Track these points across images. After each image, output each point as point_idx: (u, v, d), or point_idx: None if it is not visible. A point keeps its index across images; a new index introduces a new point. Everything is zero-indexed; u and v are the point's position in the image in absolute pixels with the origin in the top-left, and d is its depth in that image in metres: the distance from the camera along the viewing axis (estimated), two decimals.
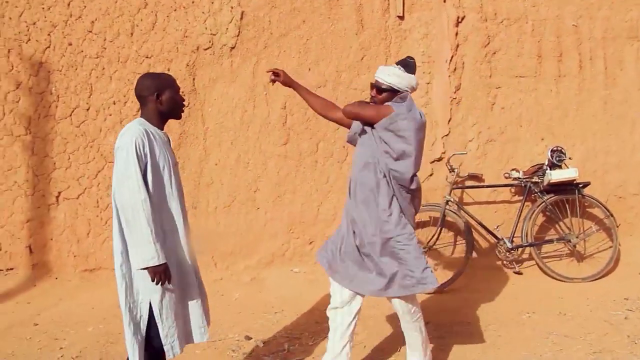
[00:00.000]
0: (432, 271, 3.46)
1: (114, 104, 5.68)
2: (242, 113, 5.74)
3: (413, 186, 3.46)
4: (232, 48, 5.68)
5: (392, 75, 3.40)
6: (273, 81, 3.81)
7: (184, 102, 3.17)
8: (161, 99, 3.02)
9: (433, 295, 5.30)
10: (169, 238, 3.00)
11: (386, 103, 3.40)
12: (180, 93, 3.18)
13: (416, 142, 3.35)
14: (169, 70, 5.68)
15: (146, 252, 2.82)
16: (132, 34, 5.62)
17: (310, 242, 5.86)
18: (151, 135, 2.95)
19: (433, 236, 5.49)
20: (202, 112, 5.75)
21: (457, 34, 5.66)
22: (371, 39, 5.69)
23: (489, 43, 5.91)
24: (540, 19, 5.98)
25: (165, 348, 3.02)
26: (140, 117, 3.07)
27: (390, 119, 3.29)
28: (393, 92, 3.42)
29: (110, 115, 5.68)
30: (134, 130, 2.91)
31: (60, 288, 5.65)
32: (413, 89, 3.46)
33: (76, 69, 5.65)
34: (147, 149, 2.90)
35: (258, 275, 5.66)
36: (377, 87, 3.46)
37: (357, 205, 3.49)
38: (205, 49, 5.64)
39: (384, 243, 3.42)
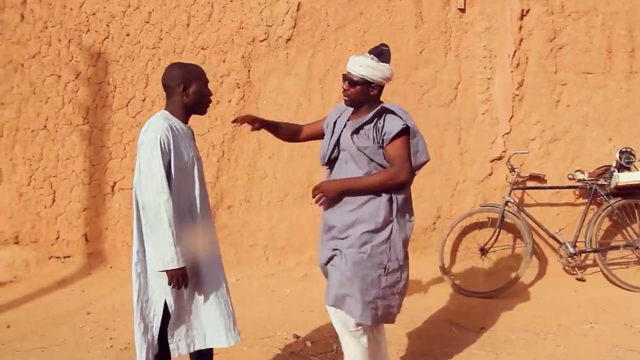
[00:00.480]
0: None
1: None
2: (297, 106, 5.72)
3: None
4: (288, 40, 5.66)
5: (364, 67, 3.13)
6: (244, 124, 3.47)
7: (211, 97, 3.04)
8: (188, 92, 2.90)
9: (488, 300, 5.17)
10: (190, 236, 2.93)
11: (390, 116, 3.18)
12: (209, 87, 3.06)
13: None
14: (224, 62, 5.69)
15: (166, 254, 2.77)
16: (188, 25, 5.65)
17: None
18: (175, 130, 2.86)
19: (490, 238, 5.34)
20: (256, 104, 5.74)
21: (521, 27, 5.48)
22: (430, 33, 5.56)
23: (554, 37, 5.70)
24: (611, 12, 5.72)
25: (171, 346, 2.99)
26: (165, 109, 2.96)
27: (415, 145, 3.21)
28: (366, 85, 3.16)
29: None
30: (159, 126, 2.82)
31: (114, 277, 5.76)
32: (388, 80, 3.21)
33: (133, 60, 5.74)
34: (171, 145, 2.80)
35: (310, 271, 5.64)
36: (349, 80, 3.18)
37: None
38: (261, 41, 5.62)
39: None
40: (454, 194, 5.71)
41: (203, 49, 5.69)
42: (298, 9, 5.57)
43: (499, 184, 5.65)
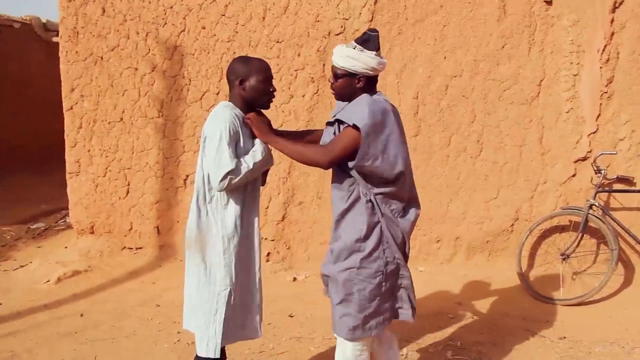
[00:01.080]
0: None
1: None
2: None
3: None
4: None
5: (343, 57, 2.90)
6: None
7: (271, 92, 3.06)
8: (244, 85, 2.99)
9: (570, 309, 4.99)
10: (247, 226, 3.08)
11: (352, 105, 2.95)
12: (272, 82, 3.09)
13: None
14: (299, 55, 5.69)
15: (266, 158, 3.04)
16: (264, 17, 5.68)
17: (438, 241, 5.69)
18: (239, 119, 2.97)
19: (573, 243, 5.13)
20: (330, 99, 5.70)
21: (612, 20, 5.25)
22: (514, 26, 5.40)
23: None
24: None
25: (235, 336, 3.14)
26: (228, 100, 3.07)
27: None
28: (350, 77, 2.93)
29: None
30: (225, 115, 2.92)
31: (183, 271, 5.79)
32: (374, 70, 2.92)
33: (208, 53, 5.82)
34: (238, 135, 2.93)
35: None
36: (333, 73, 2.99)
37: None
38: (337, 34, 5.59)
39: None
40: (534, 196, 5.54)
41: (278, 42, 5.71)
42: (376, 2, 5.52)
43: (582, 186, 5.44)
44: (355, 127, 2.81)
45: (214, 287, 3.00)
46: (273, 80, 3.13)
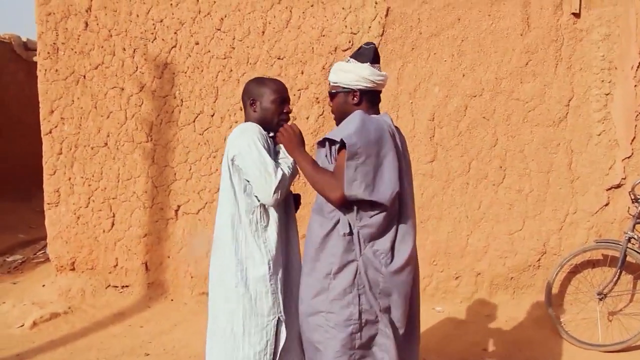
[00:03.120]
0: None
1: (241, 110, 5.27)
2: None
3: None
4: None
5: (336, 72, 2.75)
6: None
7: (284, 113, 2.97)
8: (255, 106, 2.96)
9: (609, 355, 4.54)
10: (289, 247, 2.99)
11: (344, 122, 2.71)
12: (287, 104, 2.98)
13: None
14: (302, 73, 5.25)
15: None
16: (263, 32, 5.28)
17: (457, 277, 5.18)
18: (265, 135, 2.90)
19: (611, 280, 4.61)
20: None
21: None
22: (539, 41, 4.99)
23: None
24: None
25: None
26: (244, 121, 3.01)
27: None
28: (345, 93, 2.75)
29: (237, 122, 5.35)
30: (253, 128, 2.86)
31: (176, 312, 5.38)
32: (370, 82, 2.69)
33: (202, 71, 5.41)
34: (267, 149, 2.83)
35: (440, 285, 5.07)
36: (329, 93, 2.84)
37: None
38: (344, 50, 5.18)
39: None
40: (563, 227, 5.09)
41: (279, 58, 5.30)
42: (387, 15, 5.07)
43: (617, 217, 5.00)
44: (345, 146, 2.55)
45: (261, 318, 2.84)
46: (290, 103, 3.04)
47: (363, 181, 2.52)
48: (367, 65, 2.70)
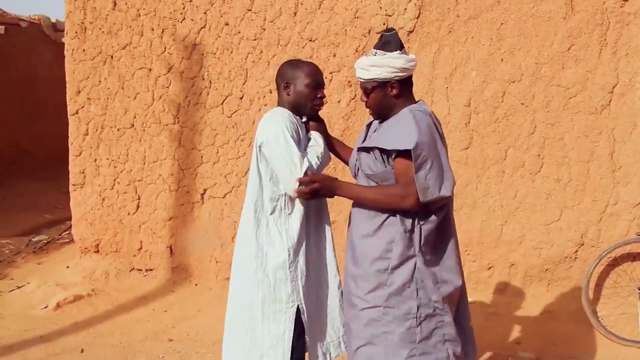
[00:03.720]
0: None
1: (271, 92, 5.21)
2: None
3: None
4: (410, 32, 5.03)
5: (367, 68, 2.64)
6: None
7: (319, 98, 2.92)
8: (289, 90, 2.88)
9: None
10: (316, 235, 2.95)
11: (397, 123, 2.66)
12: (322, 89, 2.93)
13: None
14: (334, 56, 5.09)
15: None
16: (295, 13, 5.14)
17: (489, 268, 5.01)
18: (296, 122, 2.85)
19: None
20: None
21: None
22: (582, 25, 4.79)
23: None
24: None
25: (319, 354, 2.93)
26: (277, 104, 2.96)
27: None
28: (381, 87, 2.65)
29: (266, 105, 5.25)
30: (283, 115, 2.79)
31: (200, 297, 5.30)
32: (405, 70, 2.62)
33: (231, 52, 5.30)
34: (298, 136, 2.79)
35: None
36: (362, 90, 2.74)
37: None
38: (378, 33, 4.85)
39: None
40: (603, 218, 4.88)
41: (311, 40, 5.15)
42: None
43: None
44: (410, 153, 2.52)
45: (279, 304, 2.81)
46: (324, 87, 3.00)
47: (435, 185, 2.54)
48: (397, 53, 2.61)
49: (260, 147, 2.77)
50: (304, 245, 2.83)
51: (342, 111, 5.13)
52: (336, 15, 5.07)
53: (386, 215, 2.65)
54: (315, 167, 2.76)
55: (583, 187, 4.89)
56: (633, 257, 4.84)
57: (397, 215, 2.62)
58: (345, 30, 5.08)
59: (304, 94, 2.86)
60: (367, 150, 2.71)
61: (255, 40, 5.22)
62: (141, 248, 5.58)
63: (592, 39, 4.78)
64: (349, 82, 5.10)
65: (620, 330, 4.57)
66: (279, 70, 2.94)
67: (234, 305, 2.97)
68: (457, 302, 2.82)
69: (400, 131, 2.59)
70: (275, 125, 2.74)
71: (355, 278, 2.72)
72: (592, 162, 4.87)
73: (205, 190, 5.44)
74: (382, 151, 2.64)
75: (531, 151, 4.94)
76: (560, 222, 4.93)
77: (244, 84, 5.28)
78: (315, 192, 2.68)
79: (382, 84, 2.64)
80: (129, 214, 5.54)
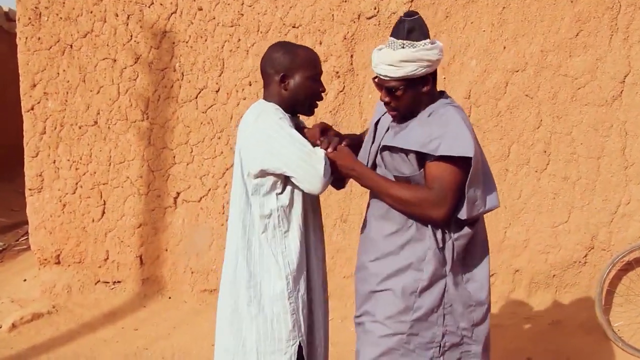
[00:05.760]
0: None
1: (250, 85, 4.81)
2: None
3: None
4: None
5: (397, 65, 2.22)
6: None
7: (321, 94, 2.50)
8: (287, 83, 2.41)
9: None
10: (313, 258, 2.46)
11: (451, 124, 2.29)
12: (321, 80, 2.51)
13: None
14: (320, 44, 4.69)
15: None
16: None
17: (492, 274, 4.61)
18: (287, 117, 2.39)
19: None
20: (359, 99, 4.65)
21: None
22: (591, 9, 4.45)
23: None
24: None
25: None
26: (263, 99, 2.49)
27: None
28: (413, 84, 2.27)
29: (245, 99, 4.84)
30: (271, 109, 2.36)
31: (174, 312, 4.87)
32: (439, 62, 2.31)
33: (205, 40, 4.83)
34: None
35: None
36: (386, 89, 2.30)
37: None
38: (369, 18, 4.63)
39: None
40: (614, 219, 4.56)
41: (294, 27, 4.71)
42: None
43: None
44: (456, 159, 2.19)
45: (278, 344, 2.36)
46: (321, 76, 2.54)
47: (482, 197, 2.28)
48: (427, 42, 2.25)
49: (240, 152, 2.38)
50: (305, 270, 2.40)
51: (330, 105, 4.68)
52: None
53: (414, 229, 2.30)
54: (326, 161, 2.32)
55: (593, 186, 4.53)
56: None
57: (429, 228, 2.28)
58: (332, 15, 4.65)
59: (306, 89, 2.42)
60: (396, 150, 2.33)
61: (232, 26, 4.76)
62: (107, 258, 5.08)
63: (601, 23, 4.43)
64: (337, 72, 4.65)
65: (637, 341, 4.20)
66: (269, 57, 2.46)
67: (222, 344, 2.49)
68: None
69: (451, 134, 2.23)
70: (269, 119, 2.32)
71: (372, 299, 2.38)
72: (602, 158, 4.52)
73: (178, 193, 4.97)
74: (419, 153, 2.27)
75: (536, 147, 4.56)
76: (569, 223, 4.58)
77: (220, 75, 4.82)
78: (345, 155, 2.35)
79: (412, 81, 2.25)
80: (93, 220, 5.03)
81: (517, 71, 4.52)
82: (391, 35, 2.27)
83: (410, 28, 2.22)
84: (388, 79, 2.26)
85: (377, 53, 2.32)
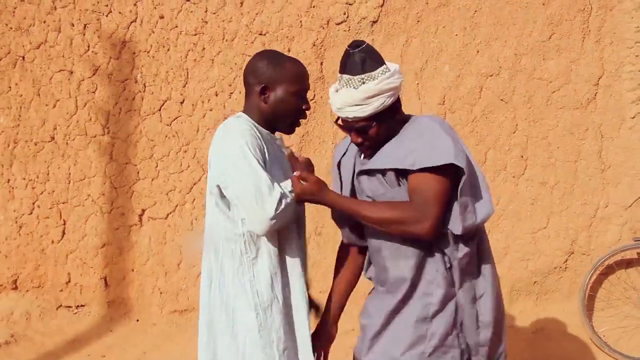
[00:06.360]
0: None
1: (216, 95, 4.70)
2: None
3: None
4: (374, 22, 4.58)
5: (365, 102, 2.08)
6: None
7: (304, 111, 2.31)
8: (267, 95, 2.24)
9: None
10: (288, 286, 2.27)
11: (427, 132, 2.15)
12: (307, 97, 2.32)
13: None
14: (289, 51, 4.59)
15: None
16: (242, 3, 4.62)
17: None
18: (260, 137, 2.21)
19: None
20: (330, 107, 4.42)
21: None
22: (563, 11, 4.45)
23: None
24: None
25: None
26: (242, 111, 2.32)
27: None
28: (381, 115, 2.12)
29: (211, 110, 4.70)
30: (242, 127, 2.17)
31: (143, 335, 4.71)
32: (401, 84, 2.17)
33: (168, 50, 4.70)
34: (263, 155, 2.17)
35: None
36: (355, 131, 2.16)
37: None
38: (338, 24, 4.58)
39: None
40: (593, 223, 4.56)
41: (261, 34, 4.61)
42: None
43: None
44: (436, 168, 2.04)
45: None
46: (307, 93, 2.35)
47: (472, 206, 2.11)
48: (384, 69, 2.10)
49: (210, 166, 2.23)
50: (279, 300, 2.20)
51: None
52: (289, 5, 4.57)
53: (422, 253, 2.15)
54: (289, 196, 2.12)
55: (571, 190, 4.52)
56: (626, 264, 4.48)
57: (434, 252, 2.15)
58: (301, 21, 4.58)
59: (287, 105, 2.24)
60: (373, 172, 2.18)
61: (195, 35, 4.64)
62: (69, 281, 4.87)
63: (574, 26, 4.44)
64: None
65: (626, 348, 4.20)
66: (252, 66, 2.29)
67: None
68: None
69: (427, 144, 2.07)
70: (233, 138, 2.14)
71: (383, 334, 2.22)
72: (579, 161, 4.53)
73: (143, 210, 4.80)
74: (398, 171, 2.12)
75: (513, 152, 4.54)
76: (548, 229, 4.55)
77: (184, 86, 4.68)
78: (302, 195, 2.13)
79: (381, 114, 2.10)
80: (52, 242, 4.82)
81: (491, 75, 4.48)
82: (344, 72, 2.11)
83: (363, 59, 2.08)
84: (359, 118, 2.10)
85: (335, 95, 2.15)
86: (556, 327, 4.47)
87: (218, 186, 2.18)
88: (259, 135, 2.20)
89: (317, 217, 4.63)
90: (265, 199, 2.07)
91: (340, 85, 2.13)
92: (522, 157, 4.50)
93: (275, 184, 2.11)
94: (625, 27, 4.40)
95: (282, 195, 2.08)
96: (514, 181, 4.53)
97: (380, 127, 2.12)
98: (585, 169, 4.49)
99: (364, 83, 2.06)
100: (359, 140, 2.16)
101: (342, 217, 2.37)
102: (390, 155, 2.13)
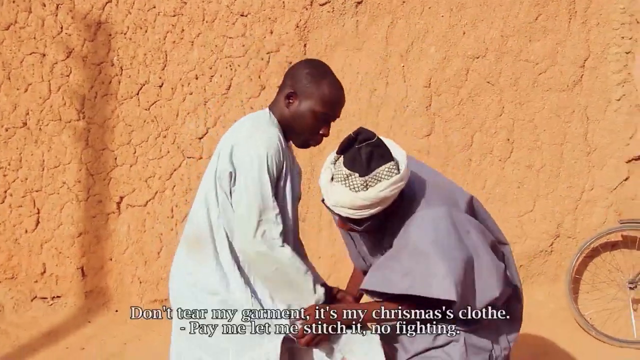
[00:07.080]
0: None
1: (197, 78, 4.54)
2: (371, 92, 4.53)
3: None
4: (359, 3, 4.48)
5: (367, 209, 1.92)
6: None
7: (320, 136, 2.24)
8: (291, 102, 2.21)
9: None
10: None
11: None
12: (329, 125, 2.24)
13: None
14: (271, 33, 4.47)
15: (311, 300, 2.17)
16: None
17: None
18: (283, 144, 2.18)
19: None
20: None
21: None
22: None
23: None
24: None
25: None
26: (269, 106, 2.31)
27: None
28: (389, 207, 1.97)
29: (191, 93, 4.56)
30: (269, 137, 2.11)
31: (122, 326, 4.58)
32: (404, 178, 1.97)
33: (146, 32, 4.52)
34: (280, 170, 2.15)
35: None
36: (353, 222, 2.01)
37: None
38: (322, 4, 4.48)
39: None
40: (579, 206, 4.54)
41: (242, 15, 4.46)
42: None
43: (638, 192, 4.46)
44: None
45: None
46: (333, 121, 2.27)
47: (473, 298, 2.03)
48: (391, 166, 1.91)
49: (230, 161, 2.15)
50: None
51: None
52: None
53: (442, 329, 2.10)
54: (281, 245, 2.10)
55: (557, 173, 4.50)
56: (611, 246, 4.49)
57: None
58: (284, 2, 4.46)
59: (305, 121, 2.19)
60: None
61: (174, 16, 4.48)
62: (44, 272, 4.71)
63: (560, 7, 4.41)
64: (290, 62, 4.45)
65: (612, 330, 4.22)
66: (295, 68, 2.28)
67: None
68: None
69: (424, 271, 1.95)
70: (259, 147, 2.08)
71: None
72: (565, 144, 4.50)
73: (121, 198, 4.65)
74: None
75: (500, 135, 4.49)
76: (534, 212, 4.53)
77: (163, 69, 4.53)
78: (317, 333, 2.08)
79: (390, 206, 1.98)
80: (26, 231, 4.65)
81: (477, 57, 4.42)
82: (346, 166, 1.91)
83: (369, 155, 1.88)
84: (356, 218, 1.97)
85: (329, 187, 1.96)
86: (542, 311, 4.46)
87: (231, 173, 2.13)
88: (284, 144, 2.16)
89: (301, 202, 4.54)
90: (262, 221, 2.06)
91: (337, 177, 1.93)
92: (509, 140, 4.46)
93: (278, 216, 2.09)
94: (611, 9, 4.37)
95: (284, 234, 2.09)
96: (500, 164, 4.50)
97: (377, 220, 1.99)
98: (571, 151, 4.46)
99: (366, 189, 1.88)
100: (354, 230, 2.05)
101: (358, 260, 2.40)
102: (389, 275, 2.01)
